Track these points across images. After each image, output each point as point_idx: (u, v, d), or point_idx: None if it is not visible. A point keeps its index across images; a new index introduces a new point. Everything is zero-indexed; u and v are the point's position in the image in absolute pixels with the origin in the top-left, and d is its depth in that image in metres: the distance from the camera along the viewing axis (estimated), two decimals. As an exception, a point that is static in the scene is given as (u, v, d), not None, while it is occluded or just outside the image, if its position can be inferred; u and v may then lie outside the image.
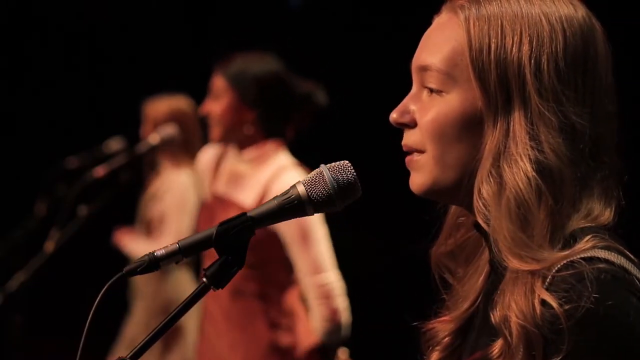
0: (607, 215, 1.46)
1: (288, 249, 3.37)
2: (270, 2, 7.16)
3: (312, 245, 3.34)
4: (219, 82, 3.54)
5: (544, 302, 1.36)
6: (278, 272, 3.44)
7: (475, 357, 1.46)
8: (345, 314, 3.40)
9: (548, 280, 1.38)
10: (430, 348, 1.60)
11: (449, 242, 1.61)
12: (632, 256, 1.42)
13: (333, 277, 3.39)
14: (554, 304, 1.35)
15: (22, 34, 7.57)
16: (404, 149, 1.54)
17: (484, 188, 1.44)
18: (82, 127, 6.78)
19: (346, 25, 6.60)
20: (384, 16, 6.37)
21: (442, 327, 1.59)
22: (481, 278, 1.57)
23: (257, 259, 3.35)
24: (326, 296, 3.36)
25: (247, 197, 3.43)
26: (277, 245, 3.37)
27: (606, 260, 1.38)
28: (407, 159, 1.53)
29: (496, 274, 1.51)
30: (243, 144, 3.52)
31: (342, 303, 3.39)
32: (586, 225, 1.44)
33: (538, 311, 1.36)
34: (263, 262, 3.38)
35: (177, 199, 5.09)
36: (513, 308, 1.38)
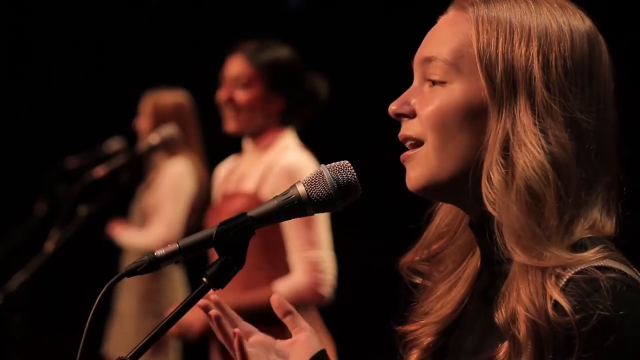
0: (609, 226, 1.46)
1: (286, 231, 3.33)
2: (270, 2, 7.16)
3: (311, 225, 3.31)
4: (245, 69, 3.46)
5: (556, 304, 1.36)
6: (286, 261, 3.40)
7: (483, 357, 1.45)
8: (327, 291, 3.33)
9: (563, 282, 1.38)
10: (410, 349, 1.59)
11: (423, 252, 1.60)
12: (635, 270, 1.42)
13: (326, 256, 3.35)
14: (567, 309, 1.35)
15: (22, 34, 7.57)
16: (401, 139, 1.52)
17: (494, 175, 1.43)
18: (82, 127, 6.78)
19: (346, 25, 6.60)
20: (384, 16, 6.38)
21: (423, 329, 1.58)
22: (469, 281, 1.56)
23: (263, 242, 3.33)
24: (314, 269, 3.30)
25: (249, 182, 3.42)
26: (281, 228, 3.35)
27: (620, 271, 1.38)
28: (403, 155, 1.52)
29: (490, 274, 1.51)
30: (257, 133, 3.49)
31: (328, 280, 3.33)
32: (592, 235, 1.43)
33: (550, 310, 1.36)
34: (270, 246, 3.36)
35: (172, 186, 5.10)
36: (523, 303, 1.38)
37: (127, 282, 5.15)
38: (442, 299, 1.57)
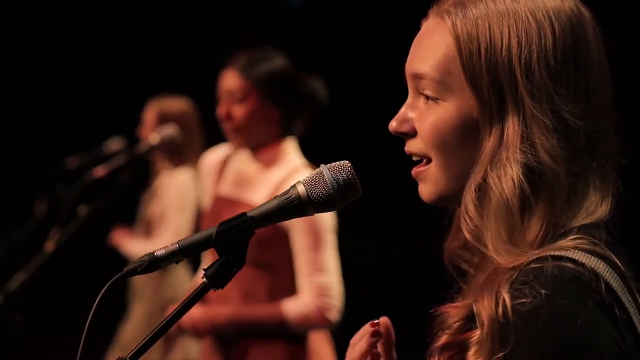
0: (603, 208, 1.45)
1: (295, 251, 3.34)
2: (270, 2, 7.16)
3: (320, 248, 3.31)
4: (240, 83, 3.43)
5: (504, 299, 1.36)
6: (287, 275, 3.39)
7: (458, 338, 1.46)
8: (334, 316, 3.34)
9: (515, 274, 1.38)
10: (440, 331, 1.59)
11: (460, 236, 1.60)
12: (620, 265, 1.39)
13: (334, 281, 3.35)
14: (507, 297, 1.35)
15: (23, 34, 7.57)
16: (407, 154, 1.54)
17: (469, 196, 1.44)
18: (82, 127, 6.78)
19: (346, 25, 6.59)
20: (384, 16, 6.37)
21: (454, 312, 1.56)
22: None
23: (267, 258, 3.33)
24: (322, 294, 3.31)
25: (258, 196, 3.40)
26: (288, 247, 3.35)
27: (575, 261, 1.36)
28: (414, 171, 1.53)
29: None
30: (260, 145, 3.46)
31: (335, 305, 3.33)
32: (585, 222, 1.43)
33: (500, 307, 1.36)
34: (273, 263, 3.36)
35: (177, 197, 5.11)
36: (482, 303, 1.39)
37: (140, 285, 5.17)
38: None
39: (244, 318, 3.35)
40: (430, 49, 1.49)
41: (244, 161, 3.52)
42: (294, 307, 3.31)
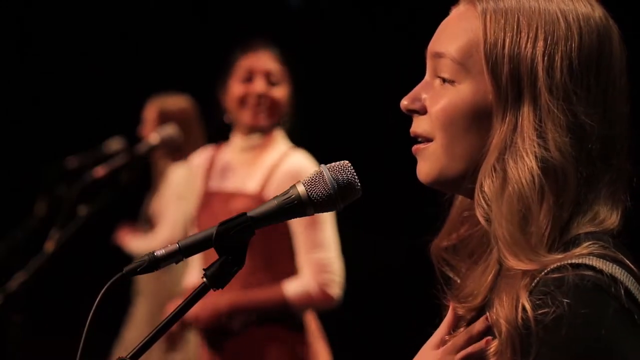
0: (613, 219, 1.45)
1: (293, 233, 3.36)
2: (270, 2, 7.16)
3: (317, 225, 3.33)
4: (277, 67, 3.51)
5: (524, 306, 1.36)
6: (285, 264, 3.41)
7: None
8: (335, 293, 3.35)
9: (534, 282, 1.38)
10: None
11: (451, 237, 1.61)
12: (632, 266, 1.39)
13: (333, 257, 3.36)
14: (528, 307, 1.36)
15: (23, 34, 7.57)
16: (412, 135, 1.54)
17: (486, 182, 1.44)
18: (82, 127, 6.78)
19: (346, 25, 6.60)
20: (383, 16, 6.37)
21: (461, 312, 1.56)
22: (491, 275, 1.55)
23: (264, 248, 3.34)
24: (321, 270, 3.33)
25: (252, 182, 3.43)
26: (285, 235, 3.36)
27: (594, 268, 1.36)
28: (414, 147, 1.53)
29: (501, 271, 1.50)
30: (267, 131, 3.52)
31: (336, 281, 3.34)
32: (591, 230, 1.43)
33: (519, 315, 1.36)
34: (270, 252, 3.37)
35: (174, 189, 5.13)
36: (502, 310, 1.39)
37: (142, 284, 5.18)
38: (475, 288, 1.55)
39: (246, 302, 3.36)
40: (457, 32, 1.50)
41: (233, 153, 3.55)
42: (295, 286, 3.33)
